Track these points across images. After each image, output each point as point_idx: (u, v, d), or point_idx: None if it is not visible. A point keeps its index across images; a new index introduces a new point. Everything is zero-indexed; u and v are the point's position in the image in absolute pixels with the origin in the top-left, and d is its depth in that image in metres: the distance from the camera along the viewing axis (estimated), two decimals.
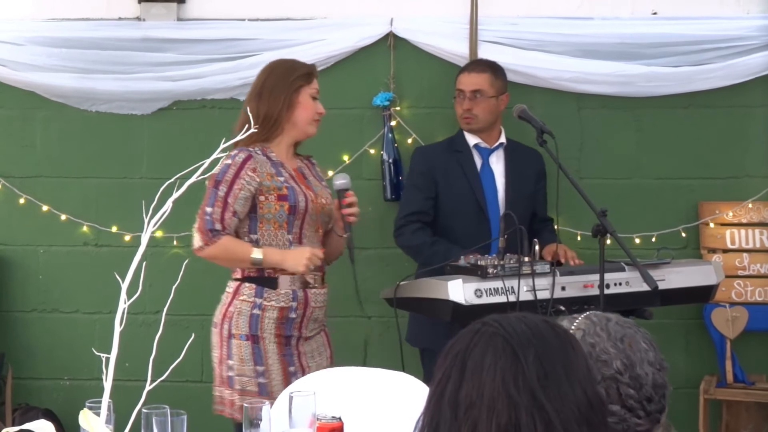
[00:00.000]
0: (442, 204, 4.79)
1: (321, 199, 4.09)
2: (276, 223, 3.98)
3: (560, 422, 1.67)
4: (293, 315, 4.00)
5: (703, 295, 4.47)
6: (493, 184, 4.80)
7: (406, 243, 4.80)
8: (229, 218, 3.92)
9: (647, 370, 2.02)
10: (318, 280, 4.06)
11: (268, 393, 3.86)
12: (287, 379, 3.91)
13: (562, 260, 4.60)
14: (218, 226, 3.91)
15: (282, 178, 3.99)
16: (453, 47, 5.10)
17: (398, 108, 5.13)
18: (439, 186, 4.79)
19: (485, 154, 4.82)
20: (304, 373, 3.89)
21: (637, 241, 5.08)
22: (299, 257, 3.91)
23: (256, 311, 3.97)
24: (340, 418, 2.98)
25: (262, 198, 3.96)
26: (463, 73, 4.85)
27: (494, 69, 4.85)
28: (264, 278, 3.98)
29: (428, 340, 4.64)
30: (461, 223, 4.74)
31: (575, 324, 2.07)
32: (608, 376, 2.00)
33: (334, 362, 4.13)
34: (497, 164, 4.83)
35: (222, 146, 1.78)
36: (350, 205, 4.10)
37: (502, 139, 4.85)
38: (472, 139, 4.83)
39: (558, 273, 4.10)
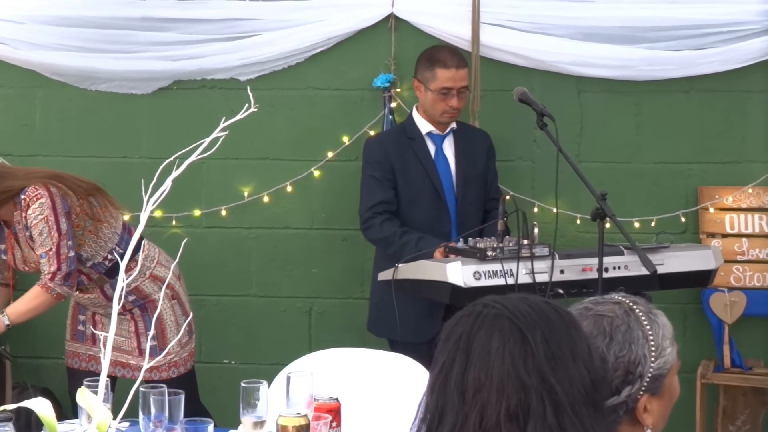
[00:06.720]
0: (400, 193, 4.72)
1: None
2: None
3: (569, 403, 1.66)
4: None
5: (701, 279, 4.48)
6: (448, 169, 4.77)
7: (376, 236, 4.70)
8: None
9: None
10: None
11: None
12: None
13: None
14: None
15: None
16: (454, 29, 5.08)
17: (398, 90, 5.11)
18: (396, 174, 4.72)
19: (438, 140, 4.79)
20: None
21: (636, 225, 5.07)
22: None
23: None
24: (337, 399, 2.99)
25: None
26: (448, 69, 4.67)
27: (465, 59, 4.79)
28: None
29: (389, 331, 4.60)
30: (420, 211, 4.69)
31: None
32: None
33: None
34: (449, 149, 4.80)
35: (221, 125, 1.77)
36: None
37: (453, 124, 4.82)
38: (425, 127, 4.77)
39: (557, 256, 4.11)
